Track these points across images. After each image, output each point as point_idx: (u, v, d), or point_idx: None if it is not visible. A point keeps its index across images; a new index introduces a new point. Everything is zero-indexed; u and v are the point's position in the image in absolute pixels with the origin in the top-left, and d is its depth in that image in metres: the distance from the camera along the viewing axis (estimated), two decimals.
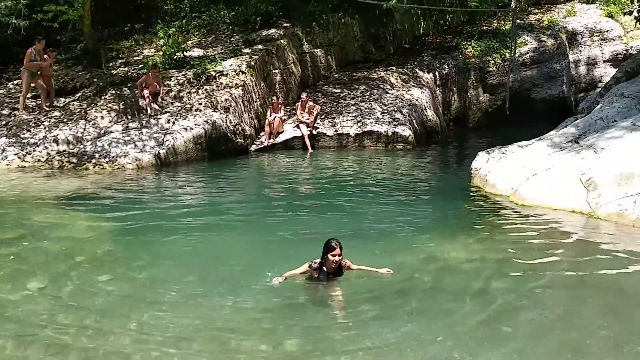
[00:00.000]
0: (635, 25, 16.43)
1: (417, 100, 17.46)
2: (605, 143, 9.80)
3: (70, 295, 5.99)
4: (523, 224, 8.60)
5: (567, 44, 21.11)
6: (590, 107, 12.94)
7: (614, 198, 8.72)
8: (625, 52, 21.05)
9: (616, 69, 15.72)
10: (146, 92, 14.41)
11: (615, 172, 9.02)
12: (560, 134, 11.17)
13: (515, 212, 9.23)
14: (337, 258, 5.88)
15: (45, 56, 14.26)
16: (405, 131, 15.86)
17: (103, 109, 14.39)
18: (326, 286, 6.02)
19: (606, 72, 20.89)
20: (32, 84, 14.36)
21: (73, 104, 14.70)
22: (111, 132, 13.76)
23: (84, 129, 13.78)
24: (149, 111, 14.30)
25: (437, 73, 19.39)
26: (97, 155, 12.98)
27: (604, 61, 21.51)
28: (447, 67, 19.54)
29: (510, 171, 10.44)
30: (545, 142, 10.93)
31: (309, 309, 5.87)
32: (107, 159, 12.90)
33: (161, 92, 14.84)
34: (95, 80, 15.49)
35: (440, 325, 5.28)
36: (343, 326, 5.36)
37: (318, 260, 6.04)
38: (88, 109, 14.40)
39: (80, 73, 15.99)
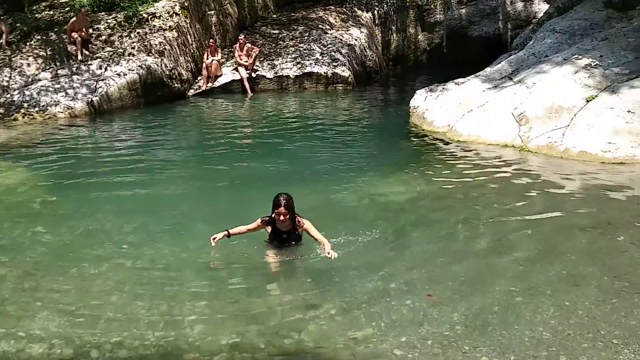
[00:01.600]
0: None
1: (356, 40, 17.37)
2: (537, 78, 10.09)
3: (5, 247, 5.83)
4: (458, 159, 8.86)
5: None
6: (524, 43, 13.21)
7: (544, 131, 9.06)
8: None
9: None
10: (76, 36, 13.73)
11: (546, 106, 9.34)
12: (494, 71, 11.40)
13: (451, 148, 9.48)
14: (282, 217, 5.27)
15: None
16: (345, 72, 15.83)
17: (29, 56, 13.66)
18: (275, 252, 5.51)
19: (541, 9, 21.10)
20: None
21: None
22: (39, 80, 13.14)
23: (10, 78, 13.10)
24: (79, 57, 13.68)
25: (376, 12, 19.28)
26: (25, 105, 12.43)
27: None
28: (385, 5, 19.43)
29: (447, 108, 10.65)
30: (480, 79, 11.15)
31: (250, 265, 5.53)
32: (37, 109, 12.38)
33: (90, 36, 14.17)
34: (18, 25, 14.61)
35: (381, 258, 5.46)
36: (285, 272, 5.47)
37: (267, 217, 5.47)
38: (12, 56, 13.64)
39: (1, 18, 15.04)
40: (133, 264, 5.48)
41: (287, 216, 5.27)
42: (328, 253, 5.01)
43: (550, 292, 4.71)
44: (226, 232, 5.47)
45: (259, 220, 5.48)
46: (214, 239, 5.41)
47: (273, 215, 5.35)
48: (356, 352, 4.01)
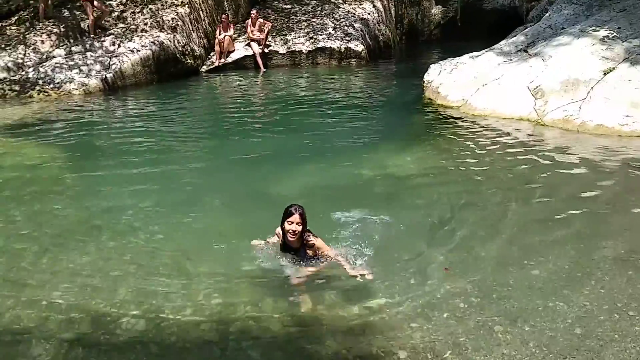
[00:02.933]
0: None
1: (369, 14, 17.18)
2: (553, 51, 9.95)
3: (24, 222, 5.92)
4: (473, 133, 8.80)
5: None
6: (540, 15, 13.02)
7: (560, 104, 8.96)
8: None
9: None
10: (90, 11, 13.64)
11: (562, 79, 9.23)
12: (509, 43, 11.25)
13: (465, 122, 9.41)
14: (293, 227, 4.57)
15: None
16: (358, 46, 15.70)
17: (43, 33, 13.67)
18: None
19: None
20: None
21: (10, 29, 13.91)
22: (53, 57, 13.17)
23: (24, 55, 13.14)
24: (92, 33, 13.67)
25: None
26: (40, 82, 12.49)
27: None
28: None
29: (461, 82, 10.55)
30: (495, 52, 11.01)
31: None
32: (51, 86, 12.44)
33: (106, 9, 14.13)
34: (31, 2, 14.61)
35: (396, 231, 5.48)
36: None
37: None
38: (26, 33, 13.67)
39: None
40: (149, 239, 5.54)
41: (300, 227, 4.59)
42: (368, 273, 4.58)
43: (567, 265, 4.70)
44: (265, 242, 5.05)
45: (276, 232, 4.91)
46: (259, 246, 5.05)
47: (283, 228, 4.68)
48: (370, 322, 4.05)
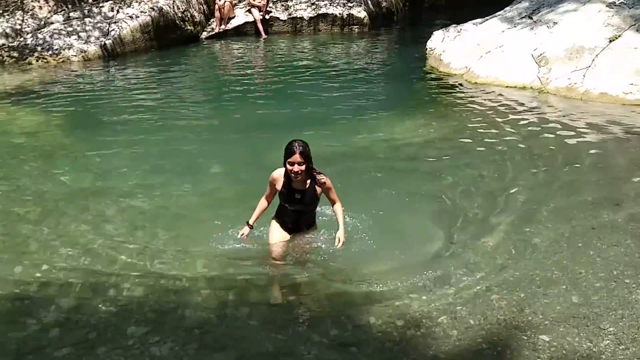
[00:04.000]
0: None
1: None
2: (558, 17, 9.78)
3: (25, 187, 5.93)
4: (475, 100, 8.73)
5: None
6: None
7: (564, 72, 8.85)
8: None
9: None
10: None
11: (567, 47, 9.10)
12: (514, 9, 11.06)
13: (468, 89, 9.33)
14: (295, 167, 4.17)
15: None
16: (361, 12, 15.47)
17: None
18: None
19: None
20: None
21: None
22: (52, 23, 13.00)
23: (22, 21, 12.98)
24: None
25: None
26: (39, 49, 12.36)
27: None
28: None
29: (465, 50, 10.42)
30: (499, 19, 10.83)
31: None
32: (50, 52, 12.31)
33: None
34: None
35: (397, 202, 5.48)
36: None
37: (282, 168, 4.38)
38: None
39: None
40: (149, 204, 5.58)
41: (303, 167, 4.19)
42: (338, 239, 4.35)
43: (567, 234, 4.70)
44: (248, 225, 4.60)
45: (270, 180, 4.48)
46: (242, 236, 4.61)
47: (285, 167, 4.28)
48: (369, 292, 4.06)
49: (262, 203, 4.58)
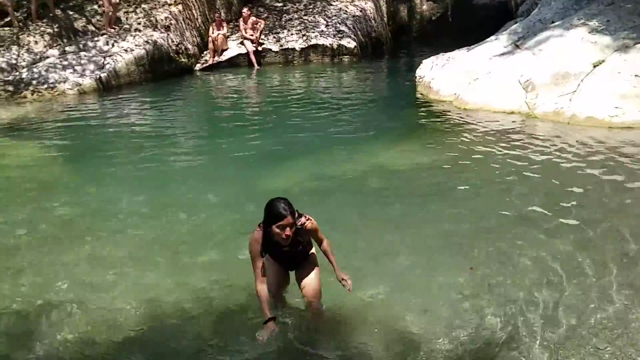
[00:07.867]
0: None
1: (361, 11, 17.26)
2: (543, 44, 10.03)
3: (20, 221, 5.98)
4: (465, 126, 8.90)
5: None
6: (530, 9, 13.12)
7: (550, 97, 9.06)
8: None
9: None
10: (107, 4, 13.71)
11: (552, 72, 9.32)
12: (500, 38, 11.34)
13: (458, 116, 9.50)
14: (287, 232, 3.54)
15: None
16: (351, 43, 15.79)
17: (36, 33, 13.70)
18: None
19: None
20: None
21: (3, 30, 13.92)
22: (47, 57, 13.20)
23: (18, 55, 13.17)
24: (109, 28, 13.69)
25: None
26: (34, 82, 12.52)
27: None
28: None
29: (453, 77, 10.65)
30: (486, 46, 11.10)
31: None
32: (45, 86, 12.48)
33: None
34: (24, 2, 14.61)
35: (388, 224, 5.56)
36: None
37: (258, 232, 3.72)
38: (20, 33, 13.69)
39: None
40: (145, 235, 5.58)
41: (293, 230, 3.59)
42: (343, 279, 3.97)
43: (559, 254, 4.79)
44: (270, 320, 3.77)
45: (252, 248, 3.76)
46: (272, 332, 3.76)
47: (267, 228, 3.62)
48: (365, 313, 4.12)
49: (262, 290, 3.81)
